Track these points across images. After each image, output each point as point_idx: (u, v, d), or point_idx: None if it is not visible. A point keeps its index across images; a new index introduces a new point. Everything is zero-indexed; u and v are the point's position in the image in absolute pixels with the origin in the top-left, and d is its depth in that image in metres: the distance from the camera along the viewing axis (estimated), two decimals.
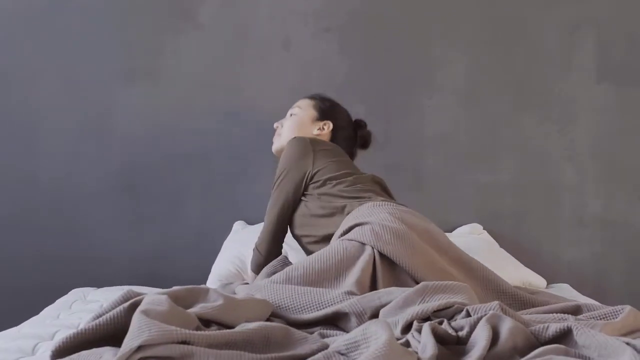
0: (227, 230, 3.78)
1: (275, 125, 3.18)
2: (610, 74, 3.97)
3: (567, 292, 3.23)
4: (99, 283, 3.46)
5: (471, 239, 3.63)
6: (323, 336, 1.99)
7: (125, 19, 3.89)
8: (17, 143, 3.89)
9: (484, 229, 3.85)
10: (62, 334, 2.31)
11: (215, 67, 3.91)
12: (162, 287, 3.28)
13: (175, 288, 1.98)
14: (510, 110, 3.96)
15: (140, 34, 3.90)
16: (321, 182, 2.86)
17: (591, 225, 4.00)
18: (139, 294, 1.88)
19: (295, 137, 2.98)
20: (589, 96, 3.98)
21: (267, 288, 2.24)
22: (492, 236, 3.79)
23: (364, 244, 2.39)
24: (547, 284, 3.48)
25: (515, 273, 3.39)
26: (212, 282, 3.20)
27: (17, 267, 3.90)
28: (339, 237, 2.52)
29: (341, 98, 3.77)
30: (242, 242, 3.50)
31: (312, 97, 3.19)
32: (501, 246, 3.69)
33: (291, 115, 3.15)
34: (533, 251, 3.94)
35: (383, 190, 2.97)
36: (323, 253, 2.40)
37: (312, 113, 3.14)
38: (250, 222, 3.83)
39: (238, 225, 3.80)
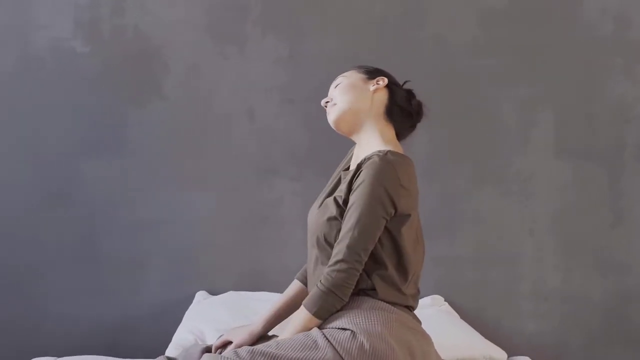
0: (189, 300, 3.77)
1: (323, 103, 2.72)
2: (568, 149, 4.03)
3: None
4: (59, 353, 3.42)
5: (432, 310, 3.65)
6: None
7: (90, 89, 3.90)
8: None
9: (445, 300, 3.88)
10: None
11: (179, 137, 3.93)
12: (124, 357, 3.27)
13: None
14: (470, 184, 4.01)
15: (104, 104, 3.91)
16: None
17: (551, 299, 4.04)
18: None
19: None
20: (548, 171, 4.03)
21: None
22: (453, 308, 3.82)
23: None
24: (508, 357, 3.48)
25: (476, 345, 3.39)
26: (171, 352, 3.17)
27: None
28: (337, 327, 2.43)
29: (304, 169, 3.82)
30: (203, 312, 3.50)
31: (350, 69, 2.75)
32: (462, 318, 3.71)
33: (336, 86, 2.71)
34: (494, 323, 3.97)
35: None
36: (298, 344, 2.35)
37: (359, 75, 2.70)
38: (213, 293, 3.83)
39: (200, 296, 3.79)
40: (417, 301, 2.65)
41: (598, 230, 4.07)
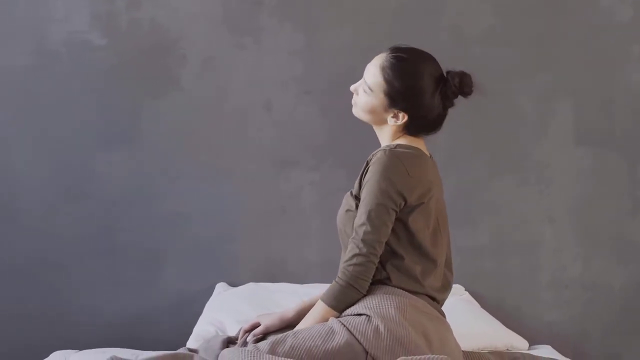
0: (209, 292, 3.77)
1: (351, 88, 2.71)
2: (586, 138, 4.02)
3: (549, 354, 3.24)
4: (80, 345, 3.42)
5: (454, 299, 3.63)
6: None
7: (106, 82, 3.90)
8: None
9: (465, 290, 3.88)
10: None
11: (196, 130, 3.93)
12: (144, 349, 3.27)
13: (160, 354, 1.97)
14: (489, 174, 4.00)
15: (121, 97, 3.91)
16: None
17: (571, 288, 4.03)
18: None
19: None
20: (566, 160, 4.02)
21: (249, 354, 2.27)
22: (473, 297, 3.82)
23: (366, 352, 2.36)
24: (529, 346, 3.48)
25: (497, 334, 3.39)
26: (192, 343, 3.17)
27: None
28: (352, 314, 2.47)
29: (321, 160, 3.81)
30: (223, 304, 3.51)
31: (383, 72, 2.60)
32: (483, 307, 3.71)
33: (364, 90, 2.64)
34: (514, 312, 3.96)
35: None
36: (315, 333, 2.38)
37: (383, 99, 2.60)
38: (233, 284, 3.85)
39: (220, 288, 3.80)
40: (444, 294, 2.67)
41: (617, 219, 4.06)
